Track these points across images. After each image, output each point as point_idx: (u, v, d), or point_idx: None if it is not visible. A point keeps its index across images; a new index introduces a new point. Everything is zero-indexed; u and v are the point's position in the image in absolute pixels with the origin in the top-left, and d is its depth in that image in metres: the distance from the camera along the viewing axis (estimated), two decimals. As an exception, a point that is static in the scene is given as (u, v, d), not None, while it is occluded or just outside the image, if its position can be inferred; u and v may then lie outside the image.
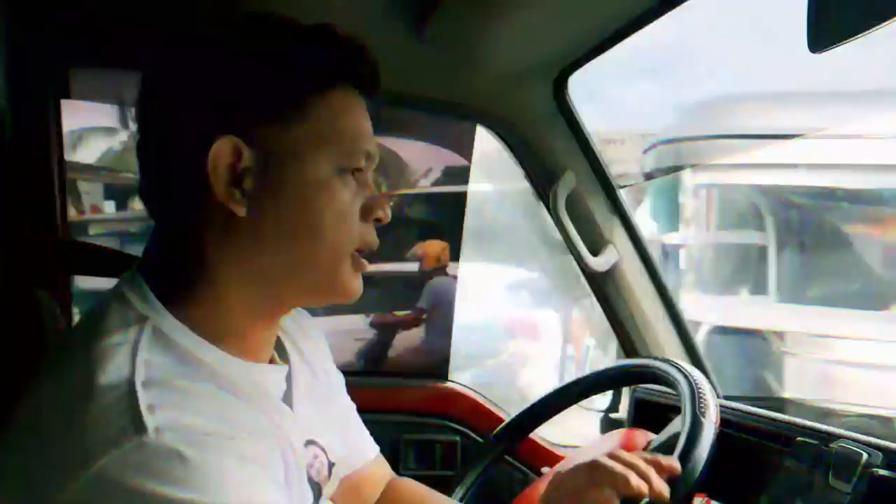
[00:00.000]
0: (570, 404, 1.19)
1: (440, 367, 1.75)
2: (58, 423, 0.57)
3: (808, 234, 4.01)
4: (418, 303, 2.76)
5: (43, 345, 0.87)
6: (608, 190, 1.39)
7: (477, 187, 1.79)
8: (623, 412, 1.43)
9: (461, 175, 1.77)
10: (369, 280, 0.72)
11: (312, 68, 0.66)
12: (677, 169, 4.38)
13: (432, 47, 1.14)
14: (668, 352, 1.40)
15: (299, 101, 0.65)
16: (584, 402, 1.28)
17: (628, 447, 1.08)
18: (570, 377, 1.22)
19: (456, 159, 1.72)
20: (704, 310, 4.01)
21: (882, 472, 0.90)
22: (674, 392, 0.98)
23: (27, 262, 1.06)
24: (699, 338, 2.81)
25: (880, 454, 0.92)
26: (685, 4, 1.00)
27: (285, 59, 0.65)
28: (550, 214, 1.39)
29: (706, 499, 1.03)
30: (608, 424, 1.45)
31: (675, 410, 0.96)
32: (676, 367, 1.01)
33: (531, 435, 1.27)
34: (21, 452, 0.58)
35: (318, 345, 0.86)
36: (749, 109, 3.77)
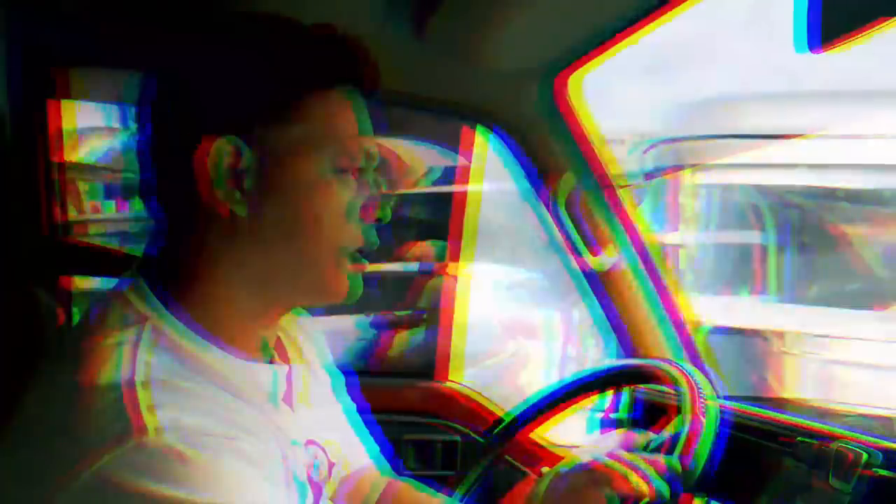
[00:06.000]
0: (570, 404, 1.19)
1: (440, 367, 1.75)
2: (58, 423, 0.57)
3: (808, 234, 4.01)
4: (418, 303, 2.76)
5: (43, 345, 0.87)
6: (608, 190, 1.39)
7: (477, 187, 1.79)
8: (623, 412, 1.43)
9: (461, 175, 1.77)
10: (369, 280, 0.72)
11: (312, 68, 0.66)
12: (677, 169, 4.38)
13: (432, 47, 1.14)
14: (668, 352, 1.40)
15: (299, 101, 0.65)
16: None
17: (628, 447, 1.08)
18: (569, 377, 1.22)
19: (456, 159, 1.72)
20: (704, 310, 4.01)
21: (882, 472, 0.90)
22: (674, 392, 0.98)
23: (27, 262, 1.06)
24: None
25: (880, 454, 0.91)
26: (685, 4, 1.00)
27: (285, 59, 0.65)
28: (550, 214, 1.39)
29: (706, 499, 1.03)
30: (608, 424, 1.45)
31: (676, 410, 0.96)
32: (676, 367, 1.01)
33: (531, 435, 1.27)
34: (21, 452, 0.58)
35: (318, 345, 0.86)
36: (749, 109, 3.77)
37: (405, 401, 1.60)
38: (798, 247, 4.05)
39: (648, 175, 4.51)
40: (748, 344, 3.89)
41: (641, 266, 1.41)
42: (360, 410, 0.94)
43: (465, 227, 2.04)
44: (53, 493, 0.53)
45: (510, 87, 1.28)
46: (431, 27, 1.08)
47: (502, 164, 1.47)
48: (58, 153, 1.22)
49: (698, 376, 0.97)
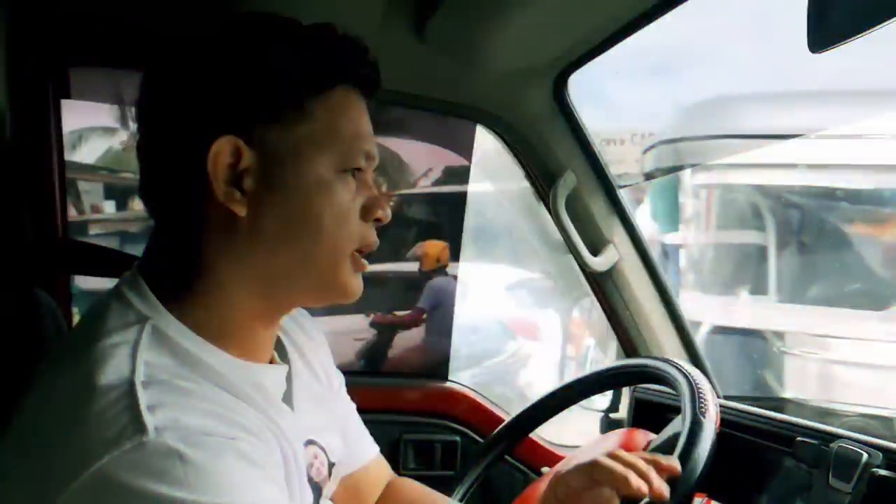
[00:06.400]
0: (570, 404, 1.19)
1: (440, 367, 1.75)
2: (58, 423, 0.57)
3: (808, 234, 4.01)
4: (418, 303, 2.76)
5: (43, 345, 0.87)
6: (608, 190, 1.39)
7: (477, 187, 1.79)
8: (623, 412, 1.43)
9: (461, 175, 1.77)
10: (369, 280, 0.72)
11: (312, 68, 0.66)
12: (677, 169, 4.38)
13: (432, 47, 1.14)
14: (668, 352, 1.40)
15: (299, 102, 0.65)
16: (584, 402, 1.28)
17: (628, 447, 1.08)
18: (570, 377, 1.22)
19: (456, 159, 1.72)
20: (704, 310, 4.01)
21: (882, 472, 0.90)
22: (674, 392, 0.98)
23: (27, 262, 1.06)
24: (699, 338, 2.80)
25: (880, 454, 0.92)
26: (685, 4, 1.00)
27: (285, 59, 0.65)
28: (550, 214, 1.39)
29: (706, 499, 1.03)
30: (608, 424, 1.45)
31: (675, 410, 0.96)
32: (676, 367, 1.01)
33: (531, 435, 1.27)
34: (21, 452, 0.58)
35: (319, 345, 0.86)
36: (749, 109, 3.77)
37: (405, 401, 1.60)
38: (798, 247, 4.05)
39: (648, 175, 4.52)
40: (748, 344, 3.89)
41: (641, 266, 1.41)
42: (361, 410, 0.94)
43: (465, 227, 2.04)
44: (54, 493, 0.53)
45: (510, 87, 1.28)
46: (431, 27, 1.08)
47: (502, 164, 1.48)
48: (58, 153, 1.22)
49: (698, 376, 0.97)
